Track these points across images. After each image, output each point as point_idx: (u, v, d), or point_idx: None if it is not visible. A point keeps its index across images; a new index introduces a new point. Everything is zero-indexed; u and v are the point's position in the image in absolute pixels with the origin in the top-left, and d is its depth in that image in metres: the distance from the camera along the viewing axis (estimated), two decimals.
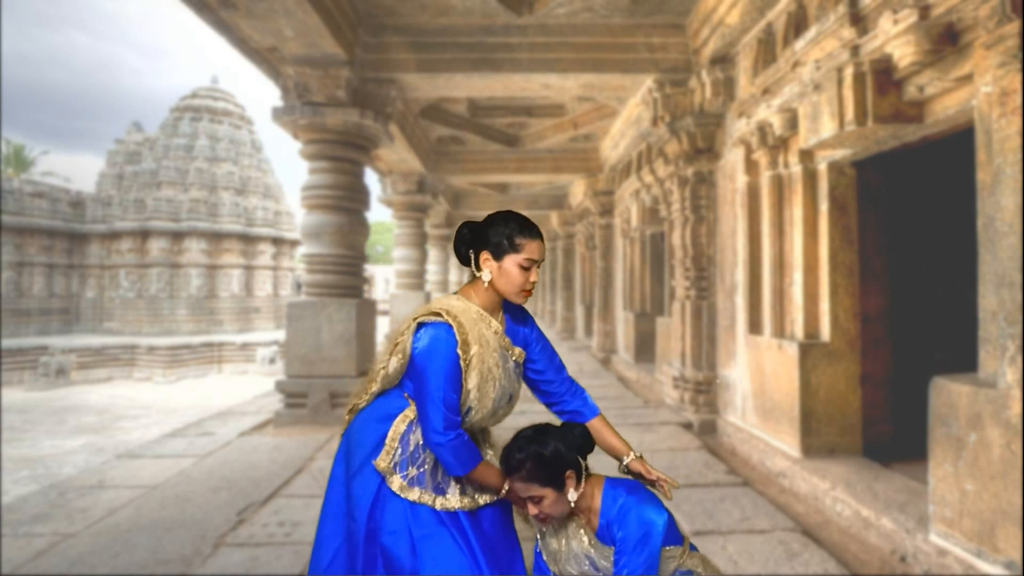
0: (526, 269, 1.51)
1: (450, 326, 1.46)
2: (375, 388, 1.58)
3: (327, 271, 5.75)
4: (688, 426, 5.35)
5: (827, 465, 3.70)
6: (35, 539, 3.01)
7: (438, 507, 1.47)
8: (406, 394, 1.55)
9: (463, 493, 1.50)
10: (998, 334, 2.45)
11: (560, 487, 1.45)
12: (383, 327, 12.03)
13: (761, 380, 4.44)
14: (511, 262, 1.50)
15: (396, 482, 1.47)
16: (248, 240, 19.68)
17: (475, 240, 1.54)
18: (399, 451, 1.49)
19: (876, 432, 4.02)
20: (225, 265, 18.99)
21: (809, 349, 3.93)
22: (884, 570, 2.76)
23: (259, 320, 19.91)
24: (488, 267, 1.52)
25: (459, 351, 1.44)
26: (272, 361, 16.22)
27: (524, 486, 1.44)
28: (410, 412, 1.52)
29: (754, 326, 4.68)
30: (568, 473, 1.46)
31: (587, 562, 1.47)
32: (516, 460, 1.45)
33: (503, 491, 1.48)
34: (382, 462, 1.48)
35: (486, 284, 1.53)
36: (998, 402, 2.36)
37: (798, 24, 4.01)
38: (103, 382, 15.10)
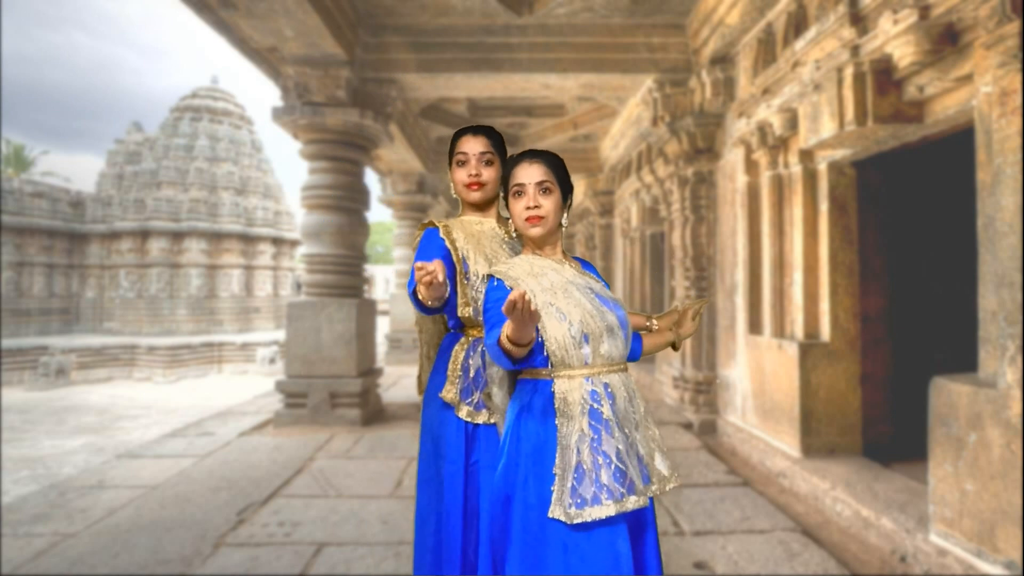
0: (462, 164, 1.55)
1: (435, 227, 1.56)
2: (427, 341, 1.64)
3: (327, 271, 5.75)
4: (688, 426, 5.35)
5: (827, 465, 3.71)
6: (35, 539, 3.01)
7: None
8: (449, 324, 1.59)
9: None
10: (998, 334, 2.45)
11: (564, 198, 1.42)
12: (383, 327, 12.03)
13: (761, 380, 4.44)
14: (455, 166, 1.57)
15: (464, 410, 1.47)
16: (248, 240, 19.64)
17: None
18: (461, 379, 1.49)
19: (876, 432, 4.02)
20: (225, 265, 18.95)
21: (809, 349, 3.93)
22: (884, 570, 2.76)
23: (259, 320, 19.86)
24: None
25: (444, 238, 1.51)
26: (272, 361, 16.18)
27: (543, 170, 1.38)
28: (464, 339, 1.52)
29: (754, 326, 4.68)
30: (569, 199, 1.44)
31: (584, 288, 1.40)
32: (542, 151, 1.43)
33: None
34: (448, 394, 1.48)
35: (454, 196, 1.62)
36: (998, 402, 2.36)
37: (798, 24, 4.01)
38: (103, 382, 15.07)
